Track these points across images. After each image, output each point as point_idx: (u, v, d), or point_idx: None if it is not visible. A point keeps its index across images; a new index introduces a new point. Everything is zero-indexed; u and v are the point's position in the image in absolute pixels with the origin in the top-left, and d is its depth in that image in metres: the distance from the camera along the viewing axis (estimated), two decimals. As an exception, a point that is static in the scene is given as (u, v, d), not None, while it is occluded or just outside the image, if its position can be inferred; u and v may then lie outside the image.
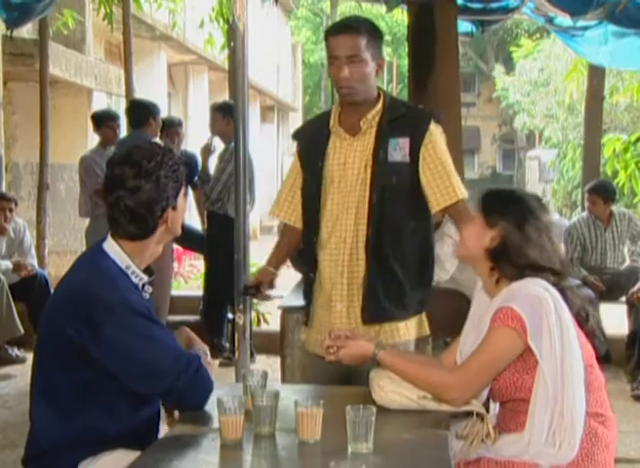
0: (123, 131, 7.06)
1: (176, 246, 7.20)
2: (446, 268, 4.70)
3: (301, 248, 3.29)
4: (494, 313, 2.47)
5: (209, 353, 2.63)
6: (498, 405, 2.61)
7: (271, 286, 3.33)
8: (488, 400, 2.62)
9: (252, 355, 5.98)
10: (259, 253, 5.64)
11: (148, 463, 2.16)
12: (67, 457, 2.40)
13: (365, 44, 3.00)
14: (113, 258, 2.46)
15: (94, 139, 8.14)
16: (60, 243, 9.62)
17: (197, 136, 11.46)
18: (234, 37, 4.28)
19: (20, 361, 6.40)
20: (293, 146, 3.55)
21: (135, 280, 2.49)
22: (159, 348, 2.39)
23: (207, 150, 6.62)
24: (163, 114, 7.30)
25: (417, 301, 3.17)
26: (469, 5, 6.84)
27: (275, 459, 2.21)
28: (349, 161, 3.08)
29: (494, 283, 2.59)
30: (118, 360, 2.36)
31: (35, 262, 6.89)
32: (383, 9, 7.13)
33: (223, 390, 2.59)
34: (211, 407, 2.42)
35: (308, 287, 3.22)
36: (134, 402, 2.44)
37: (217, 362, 6.12)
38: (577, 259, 6.61)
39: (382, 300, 3.07)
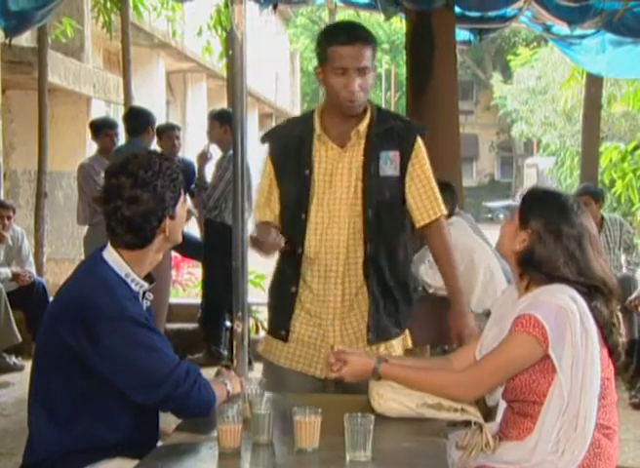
0: (121, 139, 7.06)
1: (174, 254, 7.19)
2: (442, 273, 4.70)
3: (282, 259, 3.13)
4: (516, 317, 2.43)
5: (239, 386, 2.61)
6: (503, 409, 2.60)
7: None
8: (487, 407, 2.61)
9: (250, 363, 5.97)
10: (257, 260, 5.63)
11: (146, 471, 2.16)
12: (66, 466, 2.40)
13: (371, 54, 2.92)
14: (113, 267, 2.46)
15: (92, 147, 8.15)
16: (58, 250, 9.61)
17: (195, 144, 11.45)
18: (232, 45, 4.28)
19: (18, 369, 6.39)
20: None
21: (135, 288, 2.48)
22: (157, 357, 2.39)
23: (203, 158, 6.62)
24: (162, 122, 7.32)
25: (407, 317, 3.13)
26: (467, 13, 6.86)
27: (273, 467, 2.21)
28: (338, 173, 2.97)
29: (524, 286, 2.54)
30: (116, 368, 2.36)
31: (33, 270, 6.89)
32: (382, 17, 7.14)
33: (222, 398, 2.59)
34: (209, 415, 2.41)
35: (289, 301, 3.05)
36: (132, 410, 2.44)
37: (214, 369, 6.11)
38: None
39: (384, 319, 3.03)
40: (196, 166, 6.78)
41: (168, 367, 2.38)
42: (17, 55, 8.23)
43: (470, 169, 34.67)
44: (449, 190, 4.97)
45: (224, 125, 6.38)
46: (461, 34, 7.42)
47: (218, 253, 6.13)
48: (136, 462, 2.34)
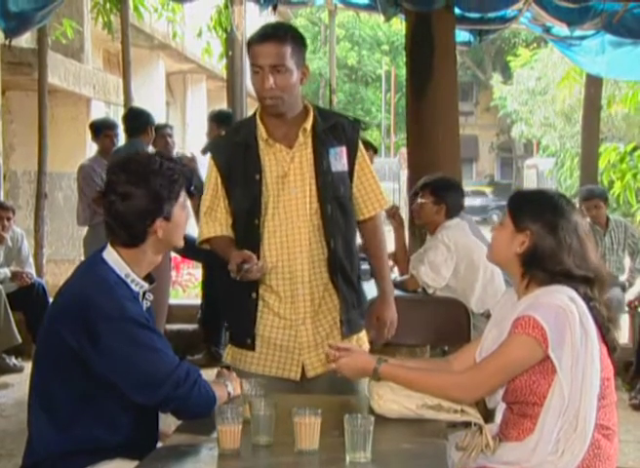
0: (121, 139, 7.06)
1: (174, 255, 7.19)
2: (442, 274, 4.70)
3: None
4: (516, 319, 2.44)
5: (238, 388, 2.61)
6: (502, 409, 2.60)
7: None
8: (487, 409, 2.61)
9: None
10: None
11: (146, 473, 2.16)
12: (66, 466, 2.40)
13: (290, 52, 2.89)
14: (113, 267, 2.47)
15: (92, 148, 8.15)
16: (57, 252, 9.61)
17: (195, 145, 11.47)
18: (232, 46, 4.30)
19: (18, 370, 6.39)
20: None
21: (135, 288, 2.49)
22: (157, 357, 2.39)
23: (192, 161, 6.66)
24: (161, 122, 7.31)
25: (365, 309, 3.16)
26: (467, 15, 6.86)
27: (273, 469, 2.21)
28: (290, 173, 2.97)
29: (524, 287, 2.55)
30: (116, 369, 2.36)
31: (33, 271, 6.88)
32: (382, 18, 7.14)
33: (221, 399, 2.58)
34: (209, 416, 2.41)
35: (250, 307, 3.01)
36: (132, 411, 2.44)
37: (214, 370, 6.11)
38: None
39: (353, 311, 3.06)
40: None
41: (168, 367, 2.38)
42: (17, 56, 8.23)
43: (470, 170, 34.69)
44: (458, 190, 4.96)
45: (221, 126, 6.37)
46: (461, 35, 7.43)
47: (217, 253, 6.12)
48: (135, 463, 2.34)
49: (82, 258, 6.18)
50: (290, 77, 2.90)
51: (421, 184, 4.92)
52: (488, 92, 30.59)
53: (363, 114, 29.67)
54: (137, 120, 6.29)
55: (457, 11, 6.54)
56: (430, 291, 4.71)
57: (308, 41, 3.27)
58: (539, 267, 2.50)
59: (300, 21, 25.95)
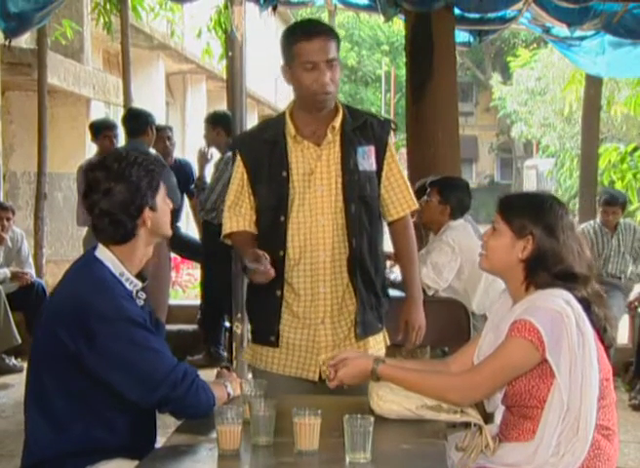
0: (121, 140, 7.05)
1: (173, 255, 7.19)
2: (444, 276, 4.69)
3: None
4: (512, 322, 2.44)
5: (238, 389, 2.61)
6: (502, 411, 2.59)
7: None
8: (486, 412, 2.61)
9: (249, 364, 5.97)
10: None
11: (146, 473, 2.16)
12: (66, 467, 2.40)
13: (336, 47, 2.91)
14: (107, 265, 2.47)
15: (92, 149, 8.15)
16: (57, 252, 9.61)
17: (195, 146, 11.46)
18: (232, 47, 4.30)
19: (18, 370, 6.38)
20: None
21: (128, 287, 2.48)
22: (154, 358, 2.39)
23: (204, 157, 6.61)
24: (161, 123, 7.31)
25: (385, 312, 3.13)
26: (467, 15, 6.86)
27: (273, 469, 2.21)
28: (317, 171, 2.95)
29: (523, 290, 2.54)
30: (113, 369, 2.36)
31: (33, 271, 6.89)
32: (381, 18, 7.14)
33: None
34: (208, 416, 2.41)
35: (275, 305, 2.99)
36: (129, 411, 2.43)
37: (214, 371, 6.11)
38: None
39: (370, 313, 3.03)
40: (196, 166, 6.78)
41: (165, 367, 2.38)
42: (16, 56, 8.23)
43: (470, 170, 34.65)
44: (465, 191, 4.93)
45: (217, 127, 6.39)
46: (461, 36, 7.42)
47: (216, 254, 6.12)
48: (134, 463, 2.34)
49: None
50: (339, 71, 2.93)
51: (429, 182, 4.90)
52: (487, 92, 30.57)
53: (363, 115, 29.57)
54: (136, 120, 6.27)
55: (456, 11, 6.54)
56: (430, 292, 4.70)
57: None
58: (543, 269, 2.49)
59: (299, 22, 25.94)
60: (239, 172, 3.05)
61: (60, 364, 2.38)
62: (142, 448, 2.46)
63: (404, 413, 2.49)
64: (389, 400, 2.49)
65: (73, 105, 9.92)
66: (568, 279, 2.47)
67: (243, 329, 4.41)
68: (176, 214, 6.43)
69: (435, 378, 2.54)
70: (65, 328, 2.36)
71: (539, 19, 7.34)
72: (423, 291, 4.69)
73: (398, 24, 9.17)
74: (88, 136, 7.43)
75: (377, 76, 31.39)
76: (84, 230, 6.71)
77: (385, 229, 3.20)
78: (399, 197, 3.07)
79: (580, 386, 2.40)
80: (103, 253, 2.49)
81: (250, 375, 5.52)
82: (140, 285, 2.52)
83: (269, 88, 21.13)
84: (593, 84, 9.23)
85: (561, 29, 7.34)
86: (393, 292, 3.39)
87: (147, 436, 2.56)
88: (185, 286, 9.91)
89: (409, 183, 3.13)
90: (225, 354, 6.49)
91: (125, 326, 2.36)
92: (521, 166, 29.64)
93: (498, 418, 2.62)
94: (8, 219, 6.65)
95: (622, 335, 6.81)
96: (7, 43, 6.86)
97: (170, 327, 6.49)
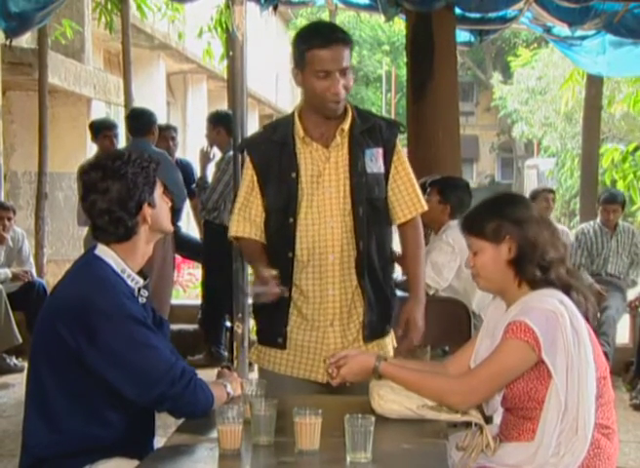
0: (121, 140, 7.05)
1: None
2: (444, 275, 4.69)
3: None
4: (507, 324, 2.45)
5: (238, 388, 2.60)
6: (501, 412, 2.60)
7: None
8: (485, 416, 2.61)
9: (250, 364, 5.97)
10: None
11: (146, 473, 2.16)
12: (65, 466, 2.40)
13: (349, 54, 2.89)
14: (108, 262, 2.47)
15: (92, 148, 8.15)
16: (58, 252, 9.61)
17: (196, 145, 11.47)
18: (233, 46, 4.30)
19: (19, 370, 6.39)
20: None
21: (131, 284, 2.49)
22: (153, 355, 2.39)
23: (206, 156, 6.61)
24: (161, 123, 7.30)
25: (394, 315, 3.12)
26: (468, 15, 6.86)
27: (274, 469, 2.21)
28: (325, 173, 2.95)
29: (516, 289, 2.55)
30: (111, 366, 2.36)
31: (34, 271, 6.89)
32: (382, 18, 7.14)
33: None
34: (208, 416, 2.41)
35: (284, 306, 2.97)
36: (127, 409, 2.44)
37: (215, 370, 6.11)
38: (583, 265, 6.65)
39: (378, 316, 3.03)
40: (198, 166, 6.78)
41: (164, 365, 2.38)
42: (17, 56, 8.23)
43: (471, 170, 34.64)
44: (465, 191, 4.92)
45: (218, 126, 6.39)
46: (462, 35, 7.43)
47: (217, 254, 6.12)
48: (133, 462, 2.35)
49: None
50: (352, 78, 2.91)
51: (429, 182, 4.90)
52: (488, 92, 30.56)
53: (363, 114, 29.57)
54: (140, 120, 6.29)
55: (457, 11, 6.54)
56: (431, 292, 4.70)
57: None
58: (530, 262, 2.50)
59: (300, 22, 25.93)
60: (248, 173, 3.05)
61: (59, 361, 2.39)
62: (141, 446, 2.47)
63: (405, 413, 2.49)
64: (390, 399, 2.50)
65: (74, 105, 9.92)
66: (552, 266, 2.49)
67: (244, 328, 4.41)
68: (177, 214, 6.44)
69: (435, 381, 2.54)
70: (66, 325, 2.36)
71: (539, 19, 7.35)
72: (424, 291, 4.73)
73: (399, 24, 9.17)
74: (89, 135, 7.42)
75: (377, 76, 31.39)
76: (85, 230, 6.71)
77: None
78: (407, 199, 3.06)
79: (578, 385, 2.40)
80: (104, 251, 2.49)
81: (252, 375, 5.54)
82: (141, 282, 2.52)
83: (270, 87, 21.14)
84: (594, 84, 9.23)
85: (562, 29, 7.34)
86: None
87: (146, 435, 2.56)
88: (186, 285, 9.90)
89: (417, 185, 3.11)
90: (226, 354, 6.50)
91: (125, 323, 2.37)
92: (522, 166, 29.62)
93: (496, 420, 2.62)
94: (9, 219, 6.66)
95: (623, 335, 6.81)
96: (8, 43, 6.86)
97: (171, 326, 6.50)
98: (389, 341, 3.12)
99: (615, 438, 2.52)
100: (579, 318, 2.45)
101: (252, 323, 6.83)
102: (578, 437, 2.40)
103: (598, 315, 6.15)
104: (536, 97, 21.67)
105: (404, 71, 8.37)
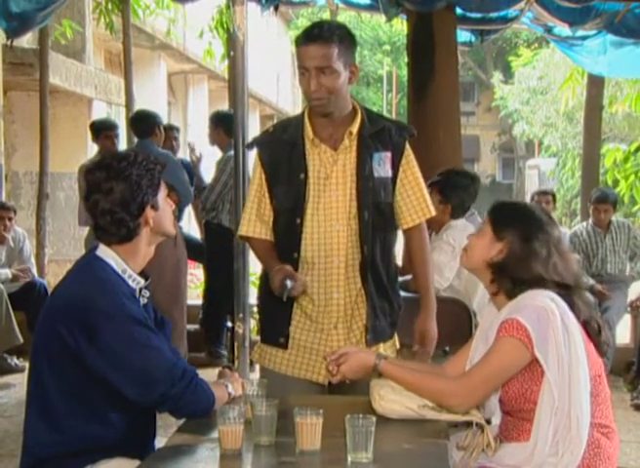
0: (121, 141, 7.07)
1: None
2: (445, 275, 4.69)
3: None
4: (500, 323, 2.47)
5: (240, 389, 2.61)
6: (500, 414, 2.60)
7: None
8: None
9: (251, 364, 5.98)
10: (257, 261, 5.62)
11: (147, 473, 2.16)
12: (66, 466, 2.40)
13: (337, 53, 2.84)
14: (109, 263, 2.47)
15: (93, 148, 8.15)
16: (59, 252, 9.61)
17: (197, 145, 11.46)
18: (234, 47, 4.30)
19: (20, 370, 6.39)
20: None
21: (132, 284, 2.49)
22: (154, 356, 2.39)
23: (193, 156, 6.70)
24: (163, 122, 7.31)
25: (398, 318, 3.12)
26: (468, 15, 6.86)
27: (275, 469, 2.21)
28: (333, 175, 2.95)
29: (493, 293, 2.60)
30: (112, 366, 2.36)
31: (35, 271, 6.90)
32: (383, 18, 7.14)
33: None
34: (209, 416, 2.41)
35: (287, 306, 2.97)
36: (128, 410, 2.44)
37: (216, 370, 6.12)
38: (582, 268, 6.64)
39: (381, 319, 3.03)
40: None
41: (164, 365, 2.38)
42: (18, 56, 8.24)
43: (472, 170, 34.67)
44: (467, 190, 4.91)
45: (218, 126, 6.41)
46: (463, 35, 7.43)
47: (218, 254, 6.13)
48: (134, 462, 2.35)
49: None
50: (337, 78, 2.87)
51: (429, 183, 4.90)
52: (489, 92, 30.55)
53: (364, 114, 29.56)
54: (145, 121, 6.32)
55: (458, 11, 6.54)
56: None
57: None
58: (506, 275, 2.54)
59: (301, 22, 25.95)
60: (258, 171, 3.04)
61: (60, 361, 2.39)
62: (142, 446, 2.48)
63: (406, 413, 2.49)
64: (391, 399, 2.50)
65: (75, 105, 9.92)
66: (537, 283, 2.50)
67: (245, 329, 4.41)
68: (178, 215, 6.45)
69: (434, 382, 2.54)
70: (66, 325, 2.36)
71: (540, 19, 7.35)
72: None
73: (400, 24, 9.16)
74: (89, 135, 7.43)
75: (378, 76, 31.39)
76: (86, 230, 6.72)
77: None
78: (414, 204, 3.05)
79: (569, 381, 2.41)
80: (105, 251, 2.49)
81: (253, 376, 5.54)
82: (143, 282, 2.52)
83: (271, 87, 21.13)
84: (595, 84, 9.23)
85: (563, 29, 7.35)
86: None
87: (147, 435, 2.56)
88: (188, 286, 9.89)
89: (426, 190, 3.10)
90: (227, 354, 6.50)
91: (126, 323, 2.37)
92: (523, 165, 29.60)
93: (495, 422, 2.62)
94: (10, 219, 6.66)
95: (624, 335, 6.81)
96: (9, 43, 6.87)
97: (172, 326, 6.51)
98: (392, 344, 3.11)
99: (615, 437, 2.52)
100: (570, 316, 2.47)
101: (253, 323, 6.85)
102: (572, 435, 2.40)
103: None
104: (537, 98, 21.67)
105: (405, 71, 8.38)
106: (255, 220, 3.04)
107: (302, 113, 3.05)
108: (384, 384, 2.54)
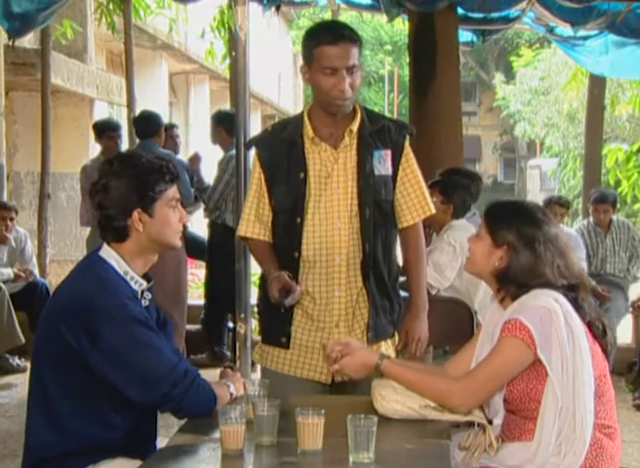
0: (124, 141, 7.07)
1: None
2: (446, 275, 4.69)
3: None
4: (503, 323, 2.46)
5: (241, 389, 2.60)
6: (503, 413, 2.60)
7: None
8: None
9: (253, 364, 5.97)
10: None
11: (149, 473, 2.16)
12: (67, 466, 2.40)
13: (358, 52, 2.88)
14: (111, 264, 2.47)
15: (95, 149, 8.16)
16: (61, 252, 9.62)
17: (199, 145, 11.48)
18: (235, 46, 4.29)
19: (21, 370, 6.39)
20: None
21: (134, 286, 2.49)
22: (156, 356, 2.39)
23: (194, 160, 6.71)
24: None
25: (398, 316, 3.12)
26: (470, 15, 6.87)
27: (276, 469, 2.21)
28: (334, 174, 2.94)
29: (500, 299, 2.59)
30: (114, 366, 2.36)
31: (36, 271, 6.90)
32: (384, 18, 7.14)
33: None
34: (211, 416, 2.41)
35: (288, 307, 2.95)
36: (130, 410, 2.44)
37: (217, 370, 6.11)
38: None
39: (383, 317, 3.03)
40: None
41: (166, 366, 2.38)
42: (20, 56, 8.24)
43: (473, 170, 34.66)
44: (468, 189, 4.91)
45: (220, 126, 6.42)
46: (464, 35, 7.43)
47: (220, 254, 6.13)
48: (136, 462, 2.35)
49: (85, 259, 6.19)
50: (360, 77, 2.91)
51: (429, 183, 4.90)
52: (491, 92, 30.55)
53: (366, 114, 29.56)
54: (148, 122, 6.34)
55: (460, 11, 6.54)
56: (433, 292, 4.70)
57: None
58: (513, 283, 2.52)
59: (302, 22, 25.96)
60: (257, 171, 3.04)
61: (61, 361, 2.39)
62: (143, 447, 2.47)
63: (407, 413, 2.49)
64: (392, 399, 2.50)
65: (76, 105, 9.92)
66: (545, 287, 2.48)
67: (247, 328, 4.41)
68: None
69: (436, 382, 2.54)
70: (68, 325, 2.36)
71: (542, 19, 7.35)
72: (427, 290, 4.72)
73: (401, 24, 9.16)
74: (91, 135, 7.45)
75: (380, 76, 31.39)
76: (87, 230, 6.72)
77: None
78: (414, 202, 3.05)
79: (573, 382, 2.41)
80: (107, 252, 2.49)
81: (255, 376, 5.54)
82: (145, 284, 2.52)
83: (272, 87, 21.14)
84: (597, 84, 9.22)
85: (564, 29, 7.35)
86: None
87: (148, 435, 2.56)
88: (189, 285, 9.89)
89: (425, 188, 3.10)
90: (229, 353, 6.50)
91: (127, 323, 2.37)
92: (524, 166, 29.61)
93: (496, 422, 2.61)
94: (11, 219, 6.67)
95: (626, 335, 6.80)
96: (10, 43, 6.87)
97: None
98: (392, 343, 3.11)
99: (617, 437, 2.52)
100: (573, 316, 2.46)
101: (254, 323, 6.85)
102: (576, 435, 2.40)
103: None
104: (538, 98, 21.66)
105: (406, 71, 8.38)
106: (254, 221, 3.04)
107: (302, 112, 3.05)
108: (386, 384, 2.54)
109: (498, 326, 2.53)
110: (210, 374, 2.66)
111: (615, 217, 6.91)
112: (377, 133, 2.99)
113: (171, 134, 6.95)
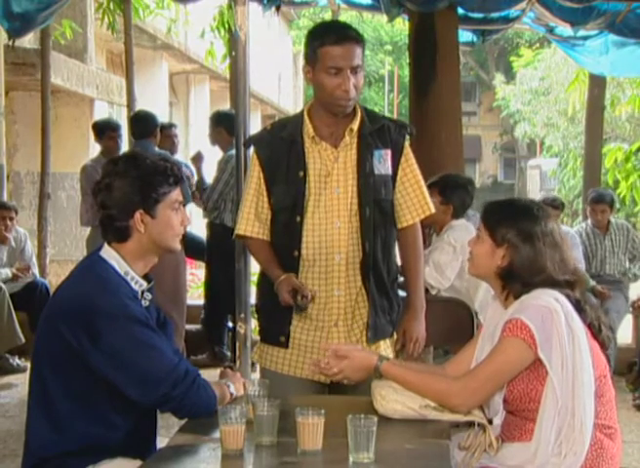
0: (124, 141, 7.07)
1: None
2: (446, 275, 4.70)
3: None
4: (504, 323, 2.47)
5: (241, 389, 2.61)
6: (503, 414, 2.60)
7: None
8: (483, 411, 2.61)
9: (253, 364, 5.97)
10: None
11: (149, 473, 2.16)
12: (67, 466, 2.40)
13: (361, 52, 2.90)
14: (112, 264, 2.47)
15: (95, 149, 8.16)
16: (61, 252, 9.62)
17: (199, 145, 11.48)
18: (236, 47, 4.30)
19: (22, 370, 6.39)
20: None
21: (134, 286, 2.49)
22: (156, 356, 2.39)
23: (196, 159, 6.70)
24: (163, 121, 7.32)
25: (397, 315, 3.12)
26: (470, 15, 6.86)
27: (276, 469, 2.21)
28: (333, 173, 2.95)
29: (504, 299, 2.59)
30: (115, 367, 2.36)
31: (36, 271, 6.90)
32: (385, 18, 7.14)
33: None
34: (211, 416, 2.41)
35: (288, 306, 2.95)
36: (130, 410, 2.44)
37: (218, 370, 6.11)
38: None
39: (382, 317, 3.03)
40: (193, 169, 6.82)
41: (167, 366, 2.38)
42: (20, 56, 8.24)
43: (473, 170, 34.61)
44: (466, 189, 4.91)
45: (218, 126, 6.42)
46: (464, 35, 7.43)
47: (219, 254, 6.13)
48: (136, 462, 2.35)
49: (85, 259, 6.19)
50: (363, 77, 2.93)
51: (429, 183, 4.90)
52: (491, 92, 30.54)
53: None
54: (145, 123, 6.33)
55: (460, 11, 6.54)
56: (433, 292, 4.71)
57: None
58: (517, 280, 2.52)
59: (303, 22, 25.96)
60: (255, 170, 3.03)
61: (62, 361, 2.39)
62: (144, 447, 2.48)
63: (407, 413, 2.49)
64: (392, 400, 2.50)
65: (77, 105, 9.93)
66: (549, 284, 2.49)
67: (246, 328, 4.41)
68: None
69: (436, 383, 2.54)
70: (68, 325, 2.36)
71: (542, 19, 7.34)
72: (426, 290, 4.73)
73: (401, 24, 9.17)
74: (91, 135, 7.44)
75: (380, 76, 31.38)
76: (87, 230, 6.72)
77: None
78: (414, 202, 3.06)
79: (572, 381, 2.41)
80: (108, 252, 2.50)
81: (255, 376, 5.54)
82: (145, 285, 2.52)
83: (272, 87, 21.15)
84: (597, 84, 9.22)
85: (564, 29, 7.35)
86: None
87: (148, 435, 2.56)
88: (189, 285, 9.89)
89: (425, 188, 3.10)
90: (229, 353, 6.50)
91: (128, 323, 2.37)
92: (524, 166, 29.60)
93: (496, 422, 2.62)
94: (11, 219, 6.67)
95: (626, 335, 6.80)
96: (10, 43, 6.87)
97: (173, 326, 6.50)
98: (391, 343, 3.11)
99: (617, 438, 2.52)
100: (574, 316, 2.46)
101: (254, 323, 6.85)
102: (576, 435, 2.40)
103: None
104: (538, 98, 21.65)
105: (407, 71, 8.38)
106: (253, 220, 3.03)
107: (302, 111, 3.05)
108: (386, 384, 2.54)
109: (498, 325, 2.54)
110: (210, 374, 2.66)
111: (613, 219, 6.91)
112: (377, 132, 3.00)
113: (169, 133, 6.92)
